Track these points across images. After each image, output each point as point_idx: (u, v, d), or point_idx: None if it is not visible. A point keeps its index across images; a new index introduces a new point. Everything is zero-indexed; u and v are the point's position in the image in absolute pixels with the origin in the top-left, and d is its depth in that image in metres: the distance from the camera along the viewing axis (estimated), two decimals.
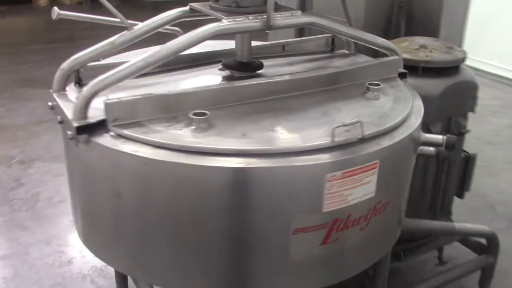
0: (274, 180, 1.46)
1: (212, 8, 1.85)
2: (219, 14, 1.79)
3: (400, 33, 2.87)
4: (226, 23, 1.71)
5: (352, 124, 1.53)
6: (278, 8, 1.88)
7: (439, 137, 1.83)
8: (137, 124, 1.56)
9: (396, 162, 1.70)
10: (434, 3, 2.74)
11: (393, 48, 2.12)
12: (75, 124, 1.52)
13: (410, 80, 2.26)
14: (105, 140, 1.52)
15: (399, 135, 1.66)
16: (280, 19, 1.79)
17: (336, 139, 1.50)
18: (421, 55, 2.33)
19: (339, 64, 2.18)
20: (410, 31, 2.84)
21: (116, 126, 1.54)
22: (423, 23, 2.79)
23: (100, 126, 1.54)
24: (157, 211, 1.53)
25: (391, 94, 1.91)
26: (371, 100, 1.84)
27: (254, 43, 2.03)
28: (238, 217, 1.50)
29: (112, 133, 1.54)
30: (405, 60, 2.29)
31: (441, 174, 2.52)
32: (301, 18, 1.86)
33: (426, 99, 2.15)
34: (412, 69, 2.31)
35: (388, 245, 1.93)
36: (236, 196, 1.47)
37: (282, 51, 2.29)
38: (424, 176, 2.47)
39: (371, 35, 2.06)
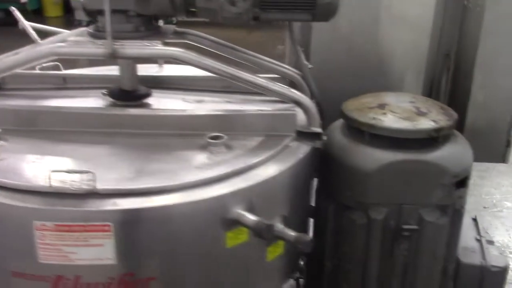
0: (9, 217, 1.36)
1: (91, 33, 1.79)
2: (87, 39, 1.73)
3: (440, 87, 2.28)
4: (63, 45, 1.65)
5: (82, 172, 1.32)
6: (147, 36, 1.72)
7: (250, 219, 1.40)
8: None
9: (166, 232, 1.38)
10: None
11: (298, 100, 1.70)
12: None
13: (358, 146, 1.79)
14: None
15: (165, 201, 1.35)
16: (129, 48, 1.63)
17: (54, 185, 1.32)
18: (368, 117, 1.79)
19: (233, 108, 1.84)
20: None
21: None
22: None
23: None
24: None
25: (240, 154, 1.55)
26: (208, 153, 1.54)
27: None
28: None
29: None
30: (350, 120, 1.83)
31: None
32: (158, 51, 1.66)
33: (361, 173, 1.72)
34: (360, 132, 1.81)
35: None
36: None
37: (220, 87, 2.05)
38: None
39: (263, 79, 1.70)
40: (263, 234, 1.39)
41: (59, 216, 1.31)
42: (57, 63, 2.20)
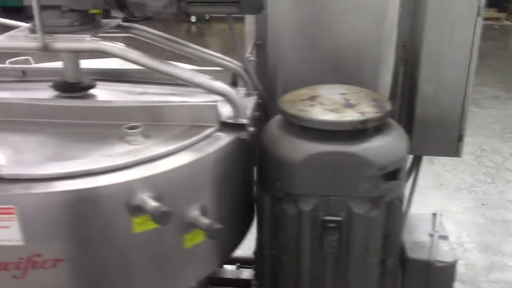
0: None
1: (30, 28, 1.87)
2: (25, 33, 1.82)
3: (398, 79, 2.25)
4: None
5: None
6: (83, 30, 1.79)
7: (149, 205, 1.45)
8: None
9: (70, 216, 1.45)
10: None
11: (221, 92, 1.74)
12: None
13: (288, 138, 1.82)
14: None
15: (67, 186, 1.42)
16: (60, 42, 1.71)
17: None
18: (296, 108, 1.80)
19: (165, 99, 1.90)
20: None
21: None
22: None
23: None
24: None
25: (158, 143, 1.61)
26: (125, 143, 1.60)
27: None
28: None
29: None
30: (282, 112, 1.85)
31: None
32: (86, 44, 1.73)
33: (288, 164, 1.75)
34: (292, 124, 1.82)
35: None
36: None
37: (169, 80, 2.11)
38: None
39: (189, 72, 1.74)
40: (160, 220, 1.44)
41: None
42: (28, 57, 2.33)
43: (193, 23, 11.80)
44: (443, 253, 2.09)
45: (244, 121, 1.75)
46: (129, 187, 1.47)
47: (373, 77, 2.21)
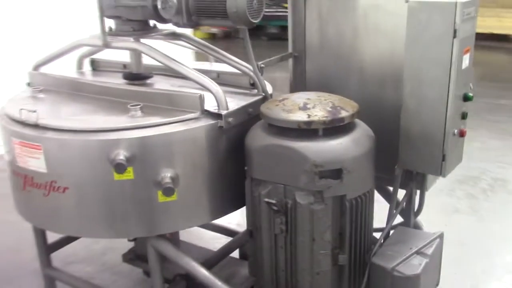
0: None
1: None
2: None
3: None
4: (84, 38, 2.52)
5: (33, 112, 2.16)
6: (139, 34, 2.44)
7: (112, 157, 2.00)
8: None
9: (73, 158, 2.11)
10: None
11: (207, 86, 2.21)
12: None
13: (258, 130, 2.19)
14: None
15: (68, 136, 2.08)
16: (115, 42, 2.41)
17: (23, 118, 2.19)
18: (264, 107, 2.14)
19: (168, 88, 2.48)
20: None
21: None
22: None
23: None
24: None
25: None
26: (127, 115, 2.19)
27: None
28: None
29: None
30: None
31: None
32: (128, 44, 2.39)
33: (249, 151, 2.16)
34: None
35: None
36: None
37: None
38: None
39: (187, 70, 2.24)
40: (115, 168, 1.99)
41: (20, 136, 2.18)
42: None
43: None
44: (407, 266, 2.12)
45: (221, 112, 2.17)
46: (110, 144, 2.06)
47: (393, 90, 2.35)
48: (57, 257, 3.32)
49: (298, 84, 2.69)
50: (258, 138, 2.13)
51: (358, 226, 2.13)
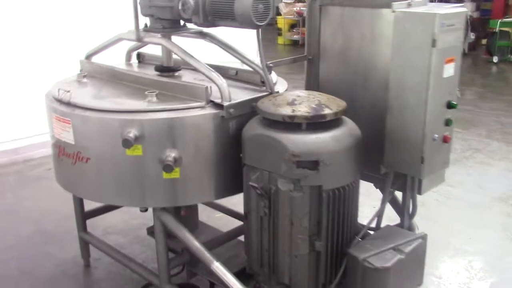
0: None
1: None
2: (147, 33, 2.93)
3: None
4: (123, 33, 2.89)
5: (67, 92, 2.54)
6: (169, 32, 2.77)
7: (123, 135, 2.32)
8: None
9: (92, 132, 2.47)
10: None
11: (212, 79, 2.49)
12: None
13: (253, 122, 2.43)
14: None
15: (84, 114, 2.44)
16: (146, 37, 2.76)
17: (60, 96, 2.58)
18: (259, 102, 2.37)
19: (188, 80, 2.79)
20: None
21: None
22: None
23: None
24: None
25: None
26: (144, 100, 2.52)
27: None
28: None
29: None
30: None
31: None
32: (155, 40, 2.72)
33: (243, 139, 2.43)
34: None
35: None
36: None
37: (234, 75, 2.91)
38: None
39: (205, 66, 2.53)
40: (122, 143, 2.31)
41: (57, 111, 2.58)
42: None
43: (495, 63, 11.39)
44: (379, 258, 2.25)
45: (224, 103, 2.43)
46: (123, 123, 2.39)
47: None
48: (98, 226, 3.75)
49: (312, 85, 2.88)
50: (251, 128, 2.37)
51: (336, 216, 2.29)
